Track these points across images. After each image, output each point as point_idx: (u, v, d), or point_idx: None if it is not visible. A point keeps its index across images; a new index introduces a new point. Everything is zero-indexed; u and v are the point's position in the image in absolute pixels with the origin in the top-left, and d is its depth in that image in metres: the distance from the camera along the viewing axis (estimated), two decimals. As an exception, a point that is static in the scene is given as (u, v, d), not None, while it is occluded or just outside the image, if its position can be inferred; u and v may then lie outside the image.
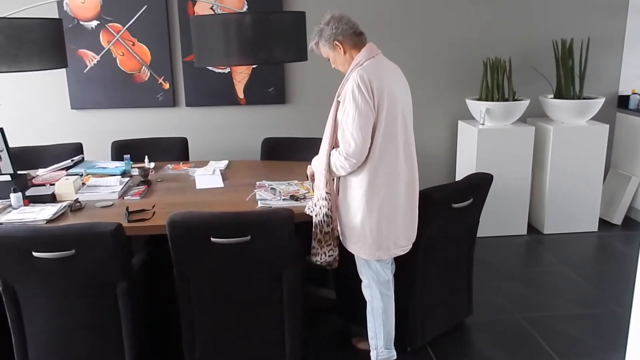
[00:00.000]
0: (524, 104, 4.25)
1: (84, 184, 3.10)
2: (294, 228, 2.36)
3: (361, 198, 2.34)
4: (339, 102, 2.35)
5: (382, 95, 2.27)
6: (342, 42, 2.35)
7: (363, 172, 2.33)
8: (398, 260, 2.57)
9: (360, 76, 2.24)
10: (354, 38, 2.36)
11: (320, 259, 2.47)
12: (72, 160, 3.54)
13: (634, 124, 4.50)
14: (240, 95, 4.39)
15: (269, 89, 4.39)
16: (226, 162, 3.66)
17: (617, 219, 4.54)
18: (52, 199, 2.86)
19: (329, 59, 2.45)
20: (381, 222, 2.36)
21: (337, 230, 2.46)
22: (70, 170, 3.40)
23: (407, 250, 2.50)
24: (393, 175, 2.35)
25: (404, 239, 2.46)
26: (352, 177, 2.36)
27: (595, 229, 4.43)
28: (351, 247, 2.46)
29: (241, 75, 4.35)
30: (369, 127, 2.27)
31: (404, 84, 2.44)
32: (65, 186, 2.91)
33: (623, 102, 4.66)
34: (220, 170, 3.44)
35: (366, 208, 2.34)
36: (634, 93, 4.61)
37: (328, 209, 2.41)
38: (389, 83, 2.31)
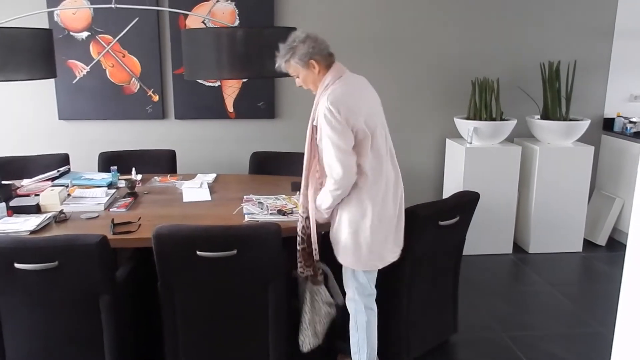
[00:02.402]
0: (511, 124, 4.30)
1: (69, 195, 3.07)
2: (281, 243, 2.36)
3: (353, 209, 2.36)
4: (314, 126, 2.35)
5: (357, 113, 2.27)
6: (319, 62, 2.33)
7: (354, 187, 2.35)
8: (384, 276, 2.56)
9: (331, 102, 2.24)
10: (328, 58, 2.36)
11: (299, 271, 2.50)
12: (58, 171, 3.51)
13: (619, 146, 4.57)
14: (230, 109, 4.40)
15: (258, 104, 4.41)
16: (214, 175, 3.65)
17: (602, 240, 4.58)
18: (36, 209, 2.82)
19: (297, 77, 2.41)
20: (372, 233, 2.37)
21: (315, 250, 2.45)
22: (56, 181, 3.37)
23: (390, 262, 2.51)
24: (382, 187, 2.37)
25: (391, 252, 2.48)
26: None
27: (580, 249, 4.46)
28: (340, 258, 2.46)
29: (231, 89, 4.36)
30: (349, 151, 2.28)
31: (374, 96, 2.44)
32: (50, 197, 2.88)
33: (608, 124, 4.73)
34: (208, 183, 3.43)
35: (358, 219, 2.36)
36: (618, 116, 4.68)
37: (300, 229, 2.43)
38: (361, 100, 2.33)
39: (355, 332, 2.55)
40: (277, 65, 2.40)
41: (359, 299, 2.50)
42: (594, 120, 4.66)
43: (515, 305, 3.57)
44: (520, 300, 3.65)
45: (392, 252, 2.49)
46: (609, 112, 4.75)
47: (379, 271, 2.55)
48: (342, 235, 2.41)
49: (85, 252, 2.22)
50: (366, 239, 2.38)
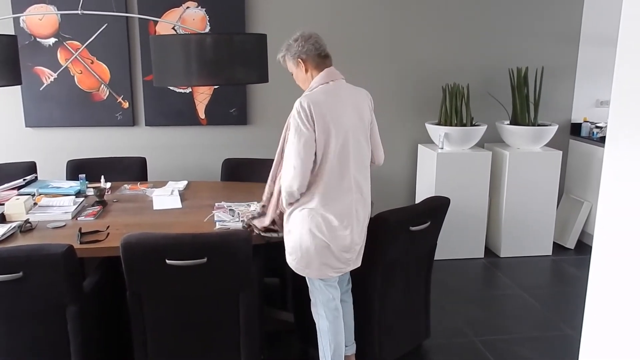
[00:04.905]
0: (482, 130, 4.35)
1: (35, 204, 3.01)
2: (252, 250, 2.34)
3: (302, 219, 2.33)
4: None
5: (324, 120, 2.26)
6: (305, 61, 2.38)
7: (306, 197, 2.33)
8: (356, 281, 2.56)
9: (300, 103, 2.26)
10: (317, 59, 2.38)
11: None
12: (24, 180, 3.44)
13: (586, 151, 4.66)
14: (202, 115, 4.36)
15: (230, 110, 4.38)
16: (185, 182, 3.61)
17: (570, 243, 4.66)
18: (1, 219, 2.76)
19: (292, 74, 2.48)
20: (321, 243, 2.33)
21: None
22: (22, 190, 3.29)
23: (345, 272, 2.47)
24: (336, 203, 2.33)
25: (343, 262, 2.41)
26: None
27: (550, 252, 4.53)
28: (291, 266, 2.43)
29: (203, 96, 4.33)
30: (308, 154, 2.25)
31: (358, 108, 2.41)
32: (15, 206, 2.82)
33: (575, 129, 4.82)
34: (179, 190, 3.40)
35: (305, 228, 2.32)
36: (585, 121, 4.77)
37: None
38: (335, 108, 2.30)
39: (320, 339, 2.54)
40: (276, 59, 2.50)
41: (320, 304, 2.48)
42: (562, 126, 4.74)
43: (487, 309, 3.60)
44: (491, 304, 3.69)
45: (344, 262, 2.42)
46: (576, 117, 4.84)
47: (351, 275, 2.55)
48: (291, 243, 2.38)
49: (50, 263, 2.17)
50: (316, 248, 2.33)
